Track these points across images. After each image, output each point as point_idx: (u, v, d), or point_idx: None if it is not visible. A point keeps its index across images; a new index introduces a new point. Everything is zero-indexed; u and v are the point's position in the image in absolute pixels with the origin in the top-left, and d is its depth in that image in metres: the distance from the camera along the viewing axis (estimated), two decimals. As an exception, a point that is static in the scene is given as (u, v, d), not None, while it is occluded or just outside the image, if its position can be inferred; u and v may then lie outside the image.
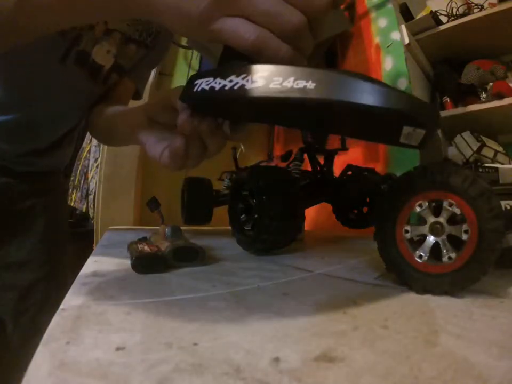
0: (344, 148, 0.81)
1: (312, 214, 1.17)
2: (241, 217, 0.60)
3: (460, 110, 1.00)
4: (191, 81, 0.30)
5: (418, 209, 0.34)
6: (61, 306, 0.29)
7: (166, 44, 0.73)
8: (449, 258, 0.32)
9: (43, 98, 0.57)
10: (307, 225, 0.80)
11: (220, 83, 0.27)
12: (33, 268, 0.62)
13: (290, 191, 0.54)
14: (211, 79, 0.28)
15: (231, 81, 0.27)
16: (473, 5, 1.11)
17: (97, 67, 0.58)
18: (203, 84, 0.29)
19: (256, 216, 0.55)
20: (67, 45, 0.55)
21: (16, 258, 0.61)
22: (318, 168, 0.80)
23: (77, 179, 1.70)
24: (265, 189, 0.52)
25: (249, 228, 0.58)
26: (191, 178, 0.87)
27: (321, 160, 0.81)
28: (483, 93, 1.06)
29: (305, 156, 0.79)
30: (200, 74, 0.30)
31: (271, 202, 0.51)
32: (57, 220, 0.69)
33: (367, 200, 0.82)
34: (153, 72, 1.07)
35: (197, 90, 0.29)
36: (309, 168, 0.80)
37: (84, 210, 1.62)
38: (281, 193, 0.52)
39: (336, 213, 0.86)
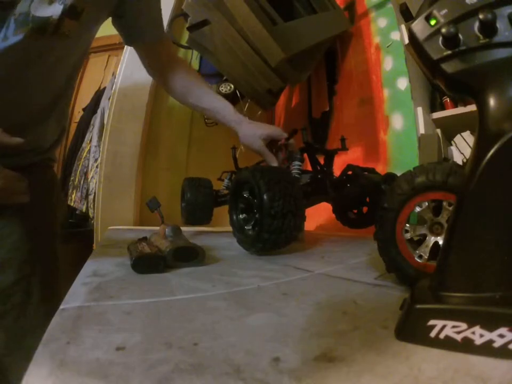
0: (344, 148, 0.81)
1: (312, 214, 1.17)
2: (242, 216, 0.60)
3: (460, 110, 1.00)
4: (417, 316, 0.23)
5: (418, 209, 0.34)
6: (61, 306, 0.29)
7: None
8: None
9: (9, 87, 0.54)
10: (307, 225, 0.79)
11: (482, 335, 0.21)
12: (12, 268, 0.59)
13: (290, 190, 0.54)
14: (463, 325, 0.21)
15: (502, 336, 0.20)
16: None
17: (40, 20, 0.52)
18: (447, 328, 0.22)
19: (257, 215, 0.55)
20: (2, 18, 0.50)
21: None
22: (318, 168, 0.80)
23: (76, 179, 1.70)
24: (266, 188, 0.52)
25: (250, 228, 0.58)
26: (191, 179, 0.87)
27: (321, 160, 0.81)
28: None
29: (305, 155, 0.79)
30: (434, 311, 0.22)
31: (272, 202, 0.51)
32: (39, 219, 0.65)
33: (367, 200, 0.82)
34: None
35: (436, 336, 0.22)
36: (309, 168, 0.80)
37: (83, 210, 1.62)
38: (282, 193, 0.52)
39: (336, 213, 0.86)
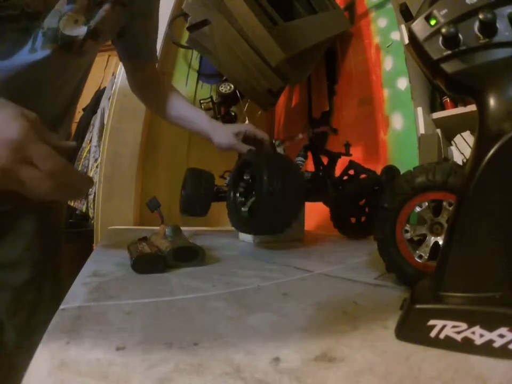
0: (347, 154, 0.82)
1: (312, 214, 1.17)
2: (240, 199, 0.60)
3: (460, 110, 1.00)
4: (417, 316, 0.23)
5: (418, 209, 0.34)
6: (61, 307, 0.29)
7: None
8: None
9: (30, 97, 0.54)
10: (307, 226, 0.79)
11: (482, 335, 0.21)
12: (26, 267, 0.61)
13: (290, 169, 0.54)
14: (463, 325, 0.21)
15: (501, 336, 0.20)
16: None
17: (68, 38, 0.55)
18: (447, 328, 0.22)
19: (255, 192, 0.55)
20: (28, 28, 0.50)
21: (9, 258, 0.60)
22: (321, 167, 0.80)
23: (77, 179, 1.70)
24: (267, 166, 0.52)
25: (246, 209, 0.58)
26: (193, 169, 0.86)
27: (325, 160, 0.81)
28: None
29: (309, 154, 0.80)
30: (434, 311, 0.23)
31: (271, 179, 0.51)
32: (49, 219, 0.68)
33: (366, 210, 0.82)
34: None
35: (436, 336, 0.22)
36: (311, 168, 0.81)
37: (83, 210, 1.62)
38: (282, 172, 0.53)
39: (334, 221, 0.85)
